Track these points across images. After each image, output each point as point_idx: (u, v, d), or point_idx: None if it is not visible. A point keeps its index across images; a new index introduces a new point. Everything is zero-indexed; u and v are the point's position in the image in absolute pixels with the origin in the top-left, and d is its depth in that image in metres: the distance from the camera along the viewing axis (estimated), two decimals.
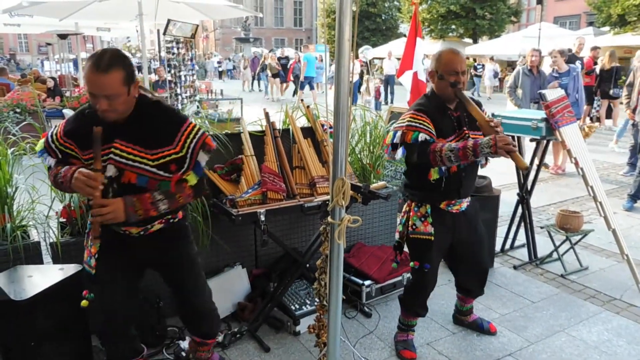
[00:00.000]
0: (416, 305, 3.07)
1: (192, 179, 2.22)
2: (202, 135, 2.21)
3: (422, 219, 2.86)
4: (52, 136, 2.21)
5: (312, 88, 18.03)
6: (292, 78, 19.39)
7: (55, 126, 2.24)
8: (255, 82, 23.48)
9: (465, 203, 2.92)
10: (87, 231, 2.35)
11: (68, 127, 2.18)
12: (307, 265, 3.41)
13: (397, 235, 3.03)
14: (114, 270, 2.30)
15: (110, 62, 1.97)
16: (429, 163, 2.64)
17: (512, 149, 2.47)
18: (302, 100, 4.16)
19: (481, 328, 3.29)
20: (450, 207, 2.86)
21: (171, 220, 2.36)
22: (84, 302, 2.28)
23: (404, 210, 3.00)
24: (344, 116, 1.91)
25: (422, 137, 2.63)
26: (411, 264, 2.92)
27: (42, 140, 2.25)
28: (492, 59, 21.69)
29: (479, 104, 2.81)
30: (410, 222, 2.90)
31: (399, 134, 2.71)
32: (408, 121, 2.70)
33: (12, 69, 24.30)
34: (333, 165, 1.97)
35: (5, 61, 33.86)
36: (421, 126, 2.66)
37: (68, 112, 7.78)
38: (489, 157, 2.77)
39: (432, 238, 2.84)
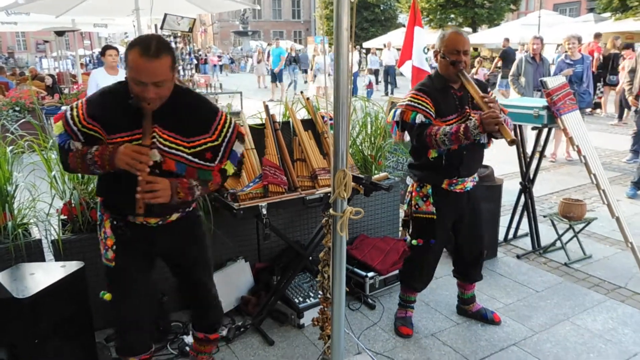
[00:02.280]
0: (414, 281, 3.14)
1: (230, 169, 2.26)
2: (235, 125, 2.24)
3: (424, 199, 2.93)
4: (72, 118, 2.07)
5: (280, 81, 17.61)
6: None
7: (72, 108, 2.10)
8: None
9: (470, 182, 2.95)
10: (98, 223, 2.34)
11: (92, 109, 2.07)
12: (310, 257, 3.40)
13: (402, 214, 3.11)
14: (131, 262, 2.29)
15: (159, 46, 1.93)
16: (424, 145, 2.73)
17: (497, 122, 2.52)
18: (302, 92, 4.14)
19: (485, 318, 3.28)
20: (453, 187, 2.89)
21: (187, 210, 2.36)
22: (107, 296, 2.30)
23: (408, 190, 3.06)
24: (344, 107, 1.89)
25: (419, 118, 2.70)
26: (414, 241, 2.98)
27: (59, 123, 2.09)
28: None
29: (484, 87, 2.83)
30: (413, 202, 2.98)
31: (398, 111, 2.81)
32: (408, 100, 2.79)
33: (11, 66, 24.20)
34: (334, 157, 1.96)
35: (4, 60, 33.77)
36: (419, 106, 2.73)
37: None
38: (489, 137, 2.81)
39: (435, 217, 2.91)
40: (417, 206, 2.96)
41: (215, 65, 28.27)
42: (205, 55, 28.87)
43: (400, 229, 3.17)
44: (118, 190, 2.12)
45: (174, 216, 2.30)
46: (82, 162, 2.07)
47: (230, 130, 2.20)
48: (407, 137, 2.89)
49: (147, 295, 2.42)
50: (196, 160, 2.14)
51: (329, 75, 13.74)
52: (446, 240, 3.13)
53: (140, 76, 1.92)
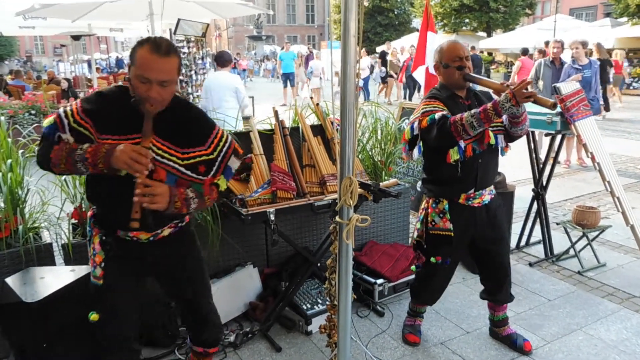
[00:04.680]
0: (427, 297, 3.10)
1: (223, 184, 2.20)
2: (231, 141, 2.20)
3: (441, 215, 2.83)
4: (65, 112, 2.01)
5: (292, 85, 17.47)
6: (404, 79, 15.55)
7: (69, 105, 2.06)
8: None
9: (487, 196, 2.85)
10: (87, 239, 2.26)
11: (88, 105, 2.02)
12: (318, 264, 3.39)
13: (415, 234, 3.00)
14: (120, 280, 2.19)
15: (169, 46, 1.94)
16: (449, 137, 2.56)
17: (532, 93, 2.41)
18: (311, 97, 4.13)
19: (514, 344, 3.06)
20: (471, 201, 2.80)
21: (180, 225, 2.26)
22: (94, 316, 2.20)
23: (422, 207, 2.97)
24: (351, 113, 1.87)
25: (438, 115, 2.60)
26: (432, 259, 2.89)
27: (51, 117, 2.03)
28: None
29: (489, 96, 2.81)
30: (429, 219, 2.88)
31: (416, 124, 2.69)
32: (422, 109, 2.70)
33: (26, 69, 24.57)
34: (340, 164, 1.94)
35: (22, 63, 34.31)
36: (436, 109, 2.65)
37: None
38: (506, 141, 2.74)
39: (452, 234, 2.81)
40: (433, 223, 2.85)
41: (244, 70, 27.45)
42: (235, 60, 28.37)
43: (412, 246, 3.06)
44: (109, 203, 2.07)
45: (166, 231, 2.20)
46: (68, 157, 1.95)
47: (227, 145, 2.17)
48: (415, 156, 2.79)
49: (135, 313, 2.32)
50: (188, 172, 2.09)
51: (320, 78, 13.89)
52: (461, 256, 3.03)
53: (148, 73, 1.90)
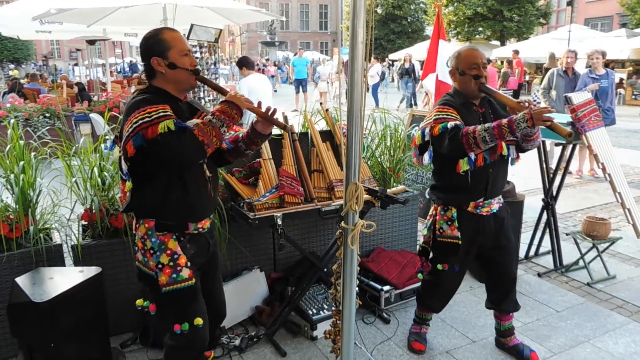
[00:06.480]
0: (434, 303, 3.08)
1: None
2: None
3: (449, 222, 2.82)
4: (161, 115, 2.02)
5: (305, 91, 17.46)
6: None
7: (149, 115, 2.02)
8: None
9: (495, 204, 2.84)
10: (152, 252, 2.20)
11: (162, 102, 2.08)
12: (325, 269, 3.39)
13: (421, 240, 2.99)
14: (198, 278, 2.33)
15: None
16: (460, 149, 2.53)
17: (550, 119, 2.38)
18: (320, 103, 4.15)
19: (521, 355, 3.01)
20: (479, 210, 2.79)
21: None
22: (198, 320, 2.24)
23: (430, 213, 2.96)
24: (357, 119, 1.88)
25: (451, 124, 2.57)
26: (439, 266, 2.88)
27: (165, 122, 2.00)
28: None
29: (503, 105, 2.79)
30: (437, 226, 2.87)
31: (427, 130, 2.67)
32: (435, 115, 2.67)
33: (42, 72, 24.92)
34: (346, 170, 1.95)
35: (38, 67, 34.83)
36: (449, 117, 2.62)
37: (94, 116, 7.94)
38: (517, 152, 2.73)
39: (460, 242, 2.80)
40: (441, 230, 2.85)
41: (272, 77, 25.08)
42: (264, 66, 27.10)
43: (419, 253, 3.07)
44: (185, 195, 2.19)
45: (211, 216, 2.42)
46: (213, 129, 2.09)
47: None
48: (426, 161, 2.79)
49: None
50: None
51: (328, 82, 14.11)
52: (469, 264, 3.02)
53: (186, 45, 2.19)
